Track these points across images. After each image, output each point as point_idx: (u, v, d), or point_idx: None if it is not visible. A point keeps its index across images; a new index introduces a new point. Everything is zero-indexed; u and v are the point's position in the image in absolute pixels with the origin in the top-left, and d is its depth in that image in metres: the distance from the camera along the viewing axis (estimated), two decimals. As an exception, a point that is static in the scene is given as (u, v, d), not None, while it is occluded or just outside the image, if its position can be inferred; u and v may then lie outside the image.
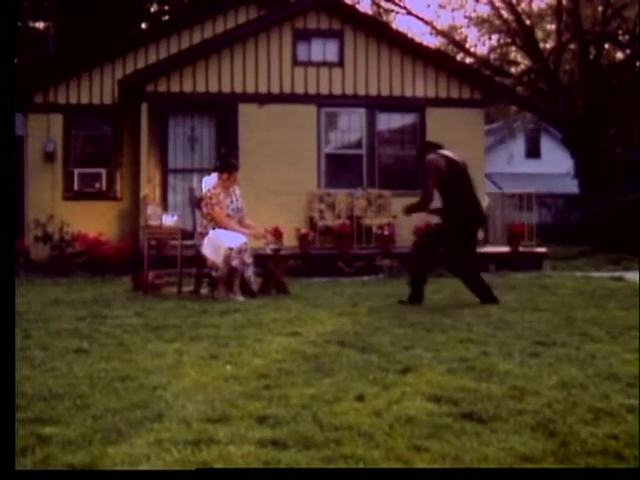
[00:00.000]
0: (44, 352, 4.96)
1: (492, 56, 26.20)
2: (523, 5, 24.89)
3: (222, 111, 14.23)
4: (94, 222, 14.12)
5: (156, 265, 9.98)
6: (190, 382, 4.07)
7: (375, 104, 14.71)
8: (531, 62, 25.15)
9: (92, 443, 3.01)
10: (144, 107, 13.91)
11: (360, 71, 14.63)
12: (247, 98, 14.21)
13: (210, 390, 3.87)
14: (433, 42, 27.49)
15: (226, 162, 9.53)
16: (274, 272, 9.24)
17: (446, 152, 8.35)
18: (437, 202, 8.41)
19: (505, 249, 13.85)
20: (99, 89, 14.96)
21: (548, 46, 25.74)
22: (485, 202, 14.40)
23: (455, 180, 8.14)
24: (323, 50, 14.65)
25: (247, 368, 4.43)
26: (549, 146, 32.99)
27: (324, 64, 14.57)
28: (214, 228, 8.82)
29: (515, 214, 15.31)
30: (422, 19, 28.21)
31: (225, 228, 8.78)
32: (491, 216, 15.50)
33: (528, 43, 24.10)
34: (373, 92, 14.68)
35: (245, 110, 14.14)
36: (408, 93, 14.75)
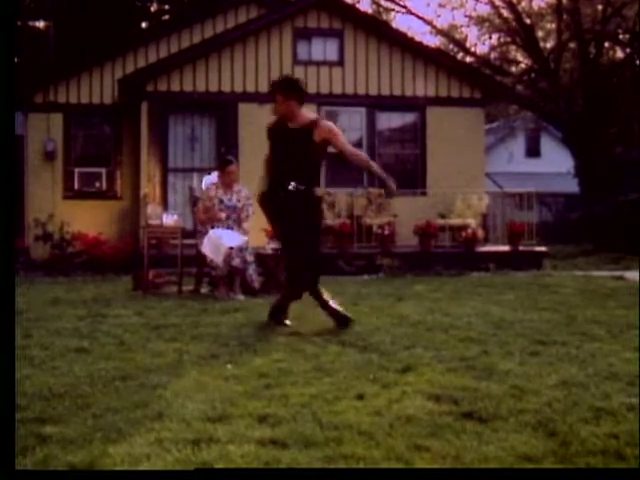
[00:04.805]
0: (44, 351, 4.95)
1: (492, 55, 26.21)
2: (523, 4, 24.90)
3: (222, 110, 14.23)
4: (94, 221, 14.13)
5: (156, 264, 9.98)
6: (190, 381, 4.06)
7: (375, 103, 14.71)
8: (531, 61, 25.15)
9: (92, 442, 3.01)
10: (144, 106, 13.91)
11: (360, 70, 14.63)
12: (247, 97, 14.20)
13: (210, 389, 3.87)
14: (433, 41, 27.53)
15: (220, 158, 9.78)
16: (274, 271, 9.24)
17: None
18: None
19: (505, 248, 13.85)
20: (99, 88, 14.96)
21: (548, 45, 25.74)
22: (484, 201, 14.44)
23: None
24: (323, 49, 14.66)
25: (247, 367, 4.43)
26: (549, 145, 32.97)
27: (324, 63, 14.57)
28: (213, 227, 8.82)
29: (515, 213, 15.31)
30: (422, 18, 28.22)
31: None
32: (491, 215, 15.53)
33: (528, 42, 24.10)
34: (373, 91, 14.68)
35: (245, 110, 14.13)
36: (408, 92, 14.76)
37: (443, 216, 14.15)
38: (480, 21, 25.71)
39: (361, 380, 4.07)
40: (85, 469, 2.75)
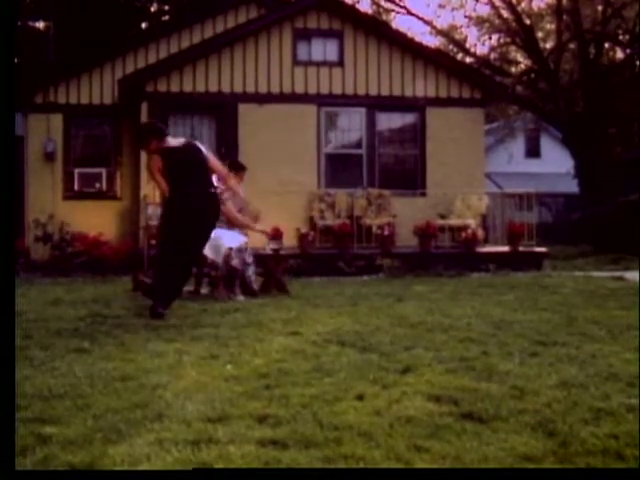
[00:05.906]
0: (44, 352, 4.95)
1: (492, 56, 26.22)
2: (523, 5, 24.92)
3: (222, 111, 14.23)
4: (94, 222, 14.12)
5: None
6: (190, 382, 4.06)
7: (375, 104, 14.71)
8: (531, 62, 25.16)
9: (92, 443, 3.01)
10: (144, 107, 13.91)
11: (360, 71, 14.63)
12: (247, 98, 14.20)
13: (210, 390, 3.87)
14: (433, 42, 27.53)
15: (235, 162, 9.75)
16: (274, 272, 9.24)
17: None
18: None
19: (505, 249, 13.86)
20: (99, 89, 14.96)
21: (548, 46, 25.76)
22: (484, 201, 14.44)
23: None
24: (323, 50, 14.66)
25: (247, 368, 4.43)
26: (549, 146, 32.99)
27: (324, 64, 14.57)
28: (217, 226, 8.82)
29: (515, 214, 15.31)
30: (422, 19, 28.28)
31: (235, 223, 8.82)
32: (491, 215, 15.53)
33: (528, 43, 24.11)
34: (373, 92, 14.68)
35: (245, 110, 14.14)
36: (408, 93, 14.76)
37: (443, 216, 14.15)
38: (480, 22, 25.73)
39: (361, 380, 4.07)
40: (85, 469, 2.75)
